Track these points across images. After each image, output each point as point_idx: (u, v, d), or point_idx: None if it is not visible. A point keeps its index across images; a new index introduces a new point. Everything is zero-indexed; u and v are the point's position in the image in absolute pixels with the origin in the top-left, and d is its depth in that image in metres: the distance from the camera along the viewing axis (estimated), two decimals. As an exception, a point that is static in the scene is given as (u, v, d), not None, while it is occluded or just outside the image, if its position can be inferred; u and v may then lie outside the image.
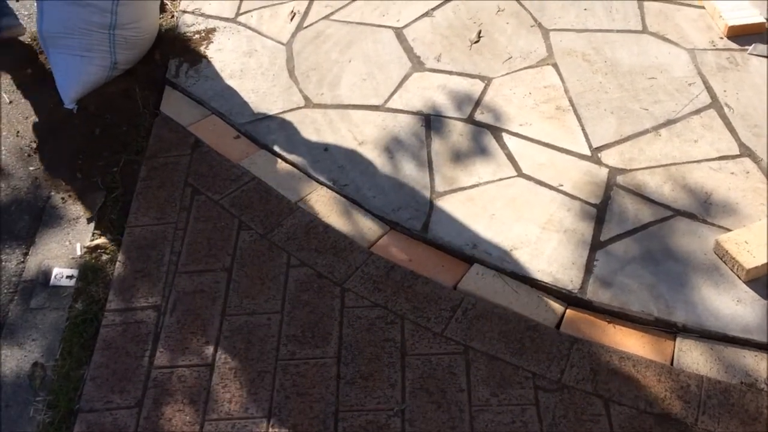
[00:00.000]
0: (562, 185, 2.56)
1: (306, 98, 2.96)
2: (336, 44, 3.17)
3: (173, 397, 2.14)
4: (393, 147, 2.74)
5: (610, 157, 2.63)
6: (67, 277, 2.45)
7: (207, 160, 2.75)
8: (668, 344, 2.17)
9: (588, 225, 2.44)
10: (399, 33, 3.19)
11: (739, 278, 2.25)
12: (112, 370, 2.20)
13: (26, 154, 2.87)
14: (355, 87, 2.98)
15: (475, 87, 2.93)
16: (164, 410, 2.12)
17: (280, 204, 2.60)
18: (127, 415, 2.12)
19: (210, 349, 2.23)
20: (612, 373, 2.10)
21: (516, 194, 2.55)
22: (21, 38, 3.34)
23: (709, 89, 2.81)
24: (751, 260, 2.22)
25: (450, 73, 3.00)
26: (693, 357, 2.12)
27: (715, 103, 2.76)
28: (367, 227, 2.53)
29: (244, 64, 3.13)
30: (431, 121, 2.82)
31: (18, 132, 2.97)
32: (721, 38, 3.00)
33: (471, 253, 2.41)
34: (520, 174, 2.62)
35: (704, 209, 2.44)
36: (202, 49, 3.20)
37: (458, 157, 2.69)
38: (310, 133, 2.82)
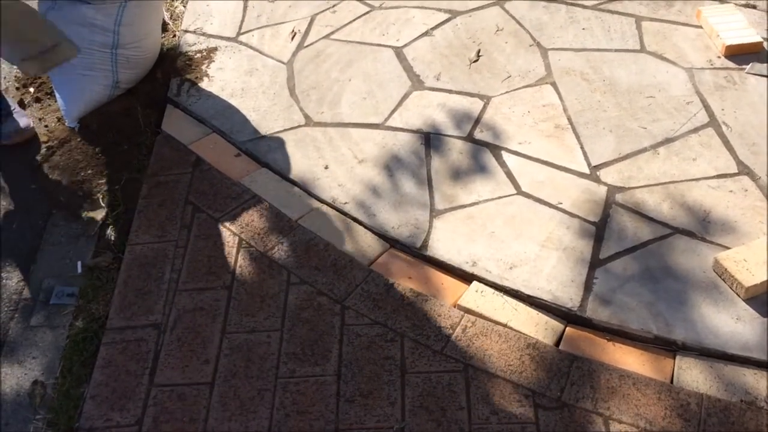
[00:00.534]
0: (561, 203, 2.58)
1: (306, 117, 2.98)
2: (336, 63, 3.19)
3: (173, 415, 2.14)
4: (393, 165, 2.76)
5: (608, 175, 2.65)
6: (68, 295, 2.45)
7: (208, 178, 2.77)
8: (668, 362, 2.17)
9: (587, 243, 2.45)
10: (399, 52, 3.21)
11: (738, 296, 2.26)
12: (112, 388, 2.20)
13: (28, 172, 2.88)
14: (355, 105, 3.00)
15: (475, 105, 2.95)
16: (164, 428, 2.11)
17: (280, 222, 2.61)
18: (127, 433, 2.12)
19: (210, 367, 2.23)
20: (612, 391, 2.10)
21: (515, 212, 2.57)
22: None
23: (707, 108, 2.83)
24: (750, 278, 2.23)
25: (449, 91, 3.02)
26: (693, 375, 2.12)
27: (713, 122, 2.78)
28: (367, 245, 2.54)
29: (245, 82, 3.15)
30: (431, 140, 2.83)
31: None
32: (719, 57, 3.02)
33: (470, 270, 2.42)
34: (520, 192, 2.63)
35: (703, 227, 2.45)
36: (203, 68, 3.23)
37: (458, 175, 2.70)
38: (310, 152, 2.84)
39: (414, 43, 3.25)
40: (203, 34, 3.41)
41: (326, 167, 2.78)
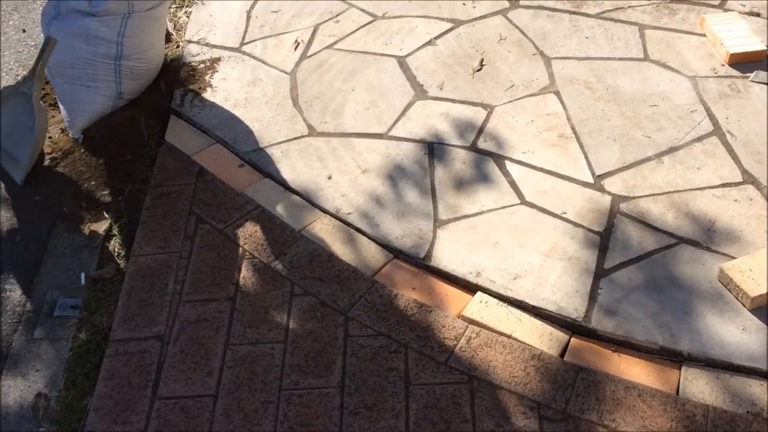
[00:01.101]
0: (565, 213, 2.57)
1: (310, 127, 2.98)
2: (339, 73, 3.19)
3: (176, 428, 2.13)
4: (396, 175, 2.75)
5: (613, 184, 2.64)
6: (71, 307, 2.45)
7: (211, 189, 2.77)
8: (673, 373, 2.16)
9: (592, 253, 2.44)
10: (402, 62, 3.21)
11: (744, 306, 2.24)
12: (115, 401, 2.20)
13: (31, 183, 2.88)
14: (358, 115, 3.00)
15: (478, 115, 2.94)
16: (167, 441, 2.11)
17: (283, 232, 2.61)
18: (130, 446, 2.11)
19: (213, 380, 2.22)
20: (617, 402, 2.09)
21: (519, 222, 2.56)
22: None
23: (711, 116, 2.82)
24: (755, 288, 2.22)
25: (453, 101, 3.01)
26: (699, 386, 2.11)
27: (717, 131, 2.77)
28: (371, 255, 2.53)
29: (248, 93, 3.15)
30: (434, 149, 2.83)
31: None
32: (723, 66, 3.02)
33: (474, 281, 2.41)
34: (523, 202, 2.62)
35: (708, 237, 2.44)
36: (207, 78, 3.23)
37: (461, 185, 2.70)
38: (313, 162, 2.83)
39: (417, 52, 3.25)
40: (207, 45, 3.42)
41: (329, 177, 2.77)
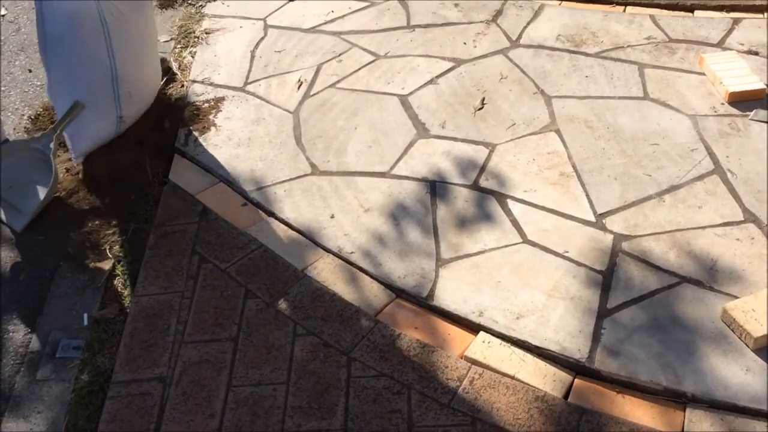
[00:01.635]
0: (567, 252, 2.57)
1: (312, 165, 3.00)
2: (342, 112, 3.22)
3: (178, 471, 2.12)
4: (399, 214, 2.76)
5: (614, 223, 2.65)
6: (74, 348, 2.45)
7: (214, 228, 2.78)
8: (678, 415, 2.15)
9: (594, 292, 2.44)
10: (404, 100, 3.25)
11: (747, 346, 2.24)
12: (116, 443, 2.19)
13: (35, 223, 2.89)
14: (360, 154, 3.02)
15: (480, 153, 2.96)
16: (169, 485, 2.09)
17: (286, 272, 2.61)
18: (132, 489, 2.10)
19: (215, 422, 2.21)
20: (621, 445, 2.07)
21: (521, 261, 2.56)
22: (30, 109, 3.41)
23: (711, 155, 2.84)
24: (758, 328, 2.21)
25: (454, 139, 3.04)
26: (703, 428, 2.10)
27: (718, 169, 2.79)
28: (374, 295, 2.53)
29: (252, 132, 3.18)
30: (436, 188, 2.85)
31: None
32: (722, 104, 3.04)
33: (477, 320, 2.41)
34: (526, 240, 2.63)
35: (710, 276, 2.44)
36: (211, 117, 3.26)
37: (463, 224, 2.70)
38: (316, 201, 2.85)
39: (419, 91, 3.28)
40: (211, 84, 3.46)
41: (332, 216, 2.79)
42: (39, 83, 3.61)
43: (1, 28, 4.01)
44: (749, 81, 3.06)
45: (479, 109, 3.16)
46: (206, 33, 3.78)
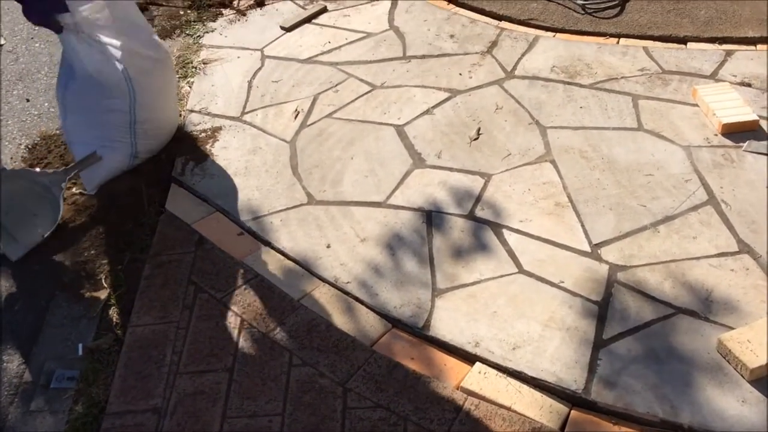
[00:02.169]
0: (563, 282, 2.58)
1: (309, 195, 3.01)
2: (338, 141, 3.24)
3: (172, 504, 2.10)
4: (395, 244, 2.77)
5: (610, 253, 2.65)
6: (68, 378, 2.44)
7: (211, 258, 2.78)
8: (675, 447, 2.14)
9: (590, 323, 2.44)
10: (400, 130, 3.27)
11: (743, 378, 2.24)
12: (110, 476, 2.17)
13: (31, 252, 2.89)
14: (357, 184, 3.03)
15: (476, 183, 2.98)
16: None
17: (282, 302, 2.61)
18: None
19: (210, 454, 2.20)
20: (618, 477, 2.06)
21: (517, 291, 2.56)
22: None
23: (705, 186, 2.86)
24: (754, 360, 2.21)
25: (450, 169, 3.05)
26: (700, 460, 2.09)
27: (712, 200, 2.80)
28: (370, 325, 2.53)
29: (248, 161, 3.19)
30: (432, 218, 2.85)
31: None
32: (716, 135, 3.06)
33: (473, 351, 2.40)
34: (521, 270, 2.63)
35: (706, 307, 2.44)
36: (208, 147, 3.28)
37: (459, 254, 2.71)
38: (312, 230, 2.86)
39: (415, 121, 3.31)
40: (208, 114, 3.48)
41: (328, 246, 2.79)
42: (36, 113, 3.62)
43: None
44: (742, 112, 3.09)
45: (475, 139, 3.18)
46: (204, 63, 3.81)
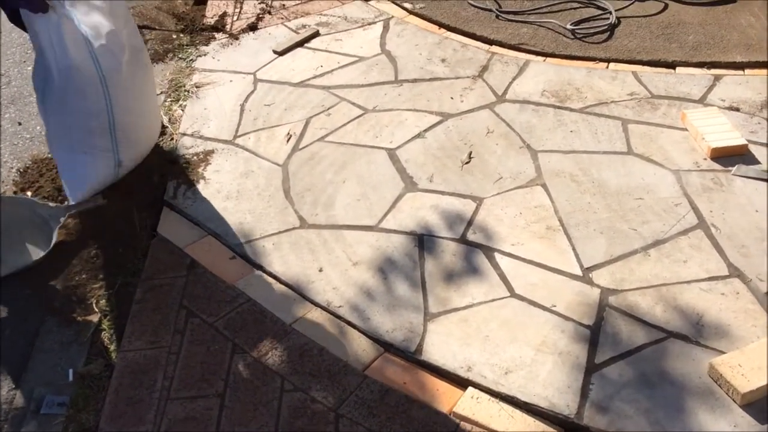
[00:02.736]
0: (555, 306, 2.58)
1: (301, 219, 3.01)
2: (331, 165, 3.25)
3: None
4: (387, 268, 2.77)
5: (601, 277, 2.67)
6: (58, 404, 2.42)
7: (202, 282, 2.77)
8: (667, 472, 2.14)
9: (582, 347, 2.45)
10: (392, 154, 3.28)
11: (735, 402, 2.24)
12: (100, 504, 2.15)
13: (21, 277, 2.88)
14: (349, 207, 3.04)
15: (467, 207, 2.99)
16: None
17: (274, 326, 2.60)
18: None
19: (201, 480, 2.18)
20: (612, 503, 2.06)
21: (509, 315, 2.57)
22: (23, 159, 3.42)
23: (695, 209, 2.88)
24: (745, 384, 2.22)
25: (442, 193, 3.07)
26: (693, 486, 2.09)
27: (702, 224, 2.82)
28: (362, 349, 2.53)
29: (240, 185, 3.20)
30: (424, 241, 2.86)
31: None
32: (705, 159, 3.09)
33: (466, 375, 2.40)
34: (513, 294, 2.64)
35: (697, 331, 2.45)
36: (200, 170, 3.28)
37: (451, 278, 2.72)
38: (304, 254, 2.86)
39: (407, 145, 3.33)
40: (201, 137, 3.48)
41: (320, 270, 2.79)
42: (29, 136, 3.62)
43: (-8, 80, 4.05)
44: (731, 137, 3.12)
45: (466, 162, 3.20)
46: (196, 87, 3.83)
